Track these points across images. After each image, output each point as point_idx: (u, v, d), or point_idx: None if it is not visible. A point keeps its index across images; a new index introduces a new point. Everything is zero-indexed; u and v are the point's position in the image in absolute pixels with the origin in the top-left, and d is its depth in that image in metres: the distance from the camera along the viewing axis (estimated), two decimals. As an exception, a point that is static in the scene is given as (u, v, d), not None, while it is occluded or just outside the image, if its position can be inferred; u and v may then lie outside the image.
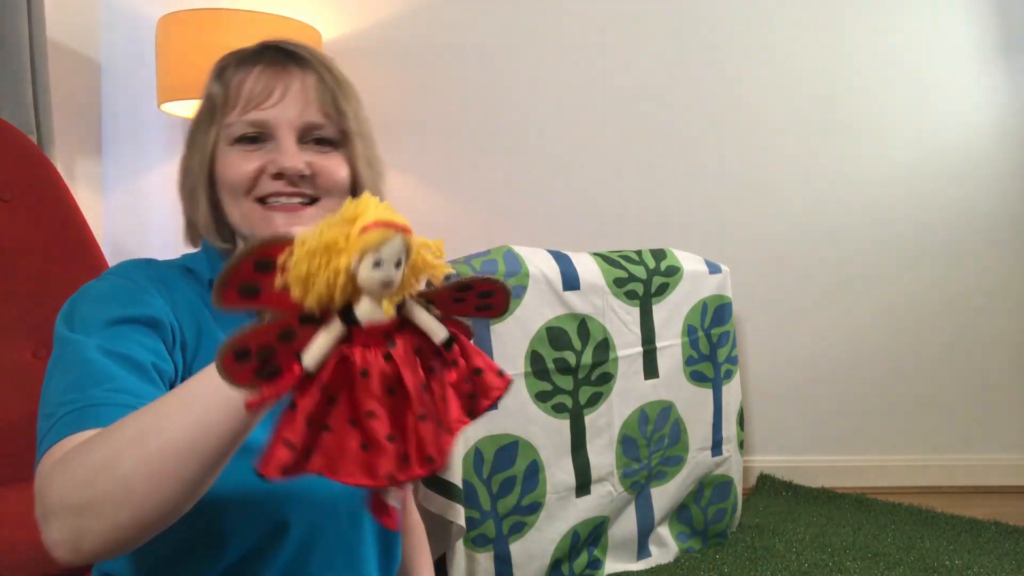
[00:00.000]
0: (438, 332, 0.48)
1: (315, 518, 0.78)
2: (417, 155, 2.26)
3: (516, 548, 1.44)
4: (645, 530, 1.67)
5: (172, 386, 0.72)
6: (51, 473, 0.60)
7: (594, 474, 1.55)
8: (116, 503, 0.55)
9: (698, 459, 1.75)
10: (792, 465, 2.21)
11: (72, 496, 0.57)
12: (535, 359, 1.47)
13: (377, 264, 0.44)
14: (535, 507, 1.46)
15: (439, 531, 1.36)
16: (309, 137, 0.81)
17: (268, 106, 0.79)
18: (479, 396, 0.51)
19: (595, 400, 1.56)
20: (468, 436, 1.40)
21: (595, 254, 1.64)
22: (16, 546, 1.03)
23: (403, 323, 0.47)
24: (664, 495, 1.69)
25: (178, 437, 0.55)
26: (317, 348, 0.44)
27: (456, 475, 1.35)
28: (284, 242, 0.45)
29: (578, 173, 2.23)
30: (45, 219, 1.36)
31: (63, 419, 0.65)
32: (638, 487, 1.64)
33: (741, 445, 1.86)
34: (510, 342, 1.44)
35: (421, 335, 0.48)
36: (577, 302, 1.53)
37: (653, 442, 1.66)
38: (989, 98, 2.18)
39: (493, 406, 0.51)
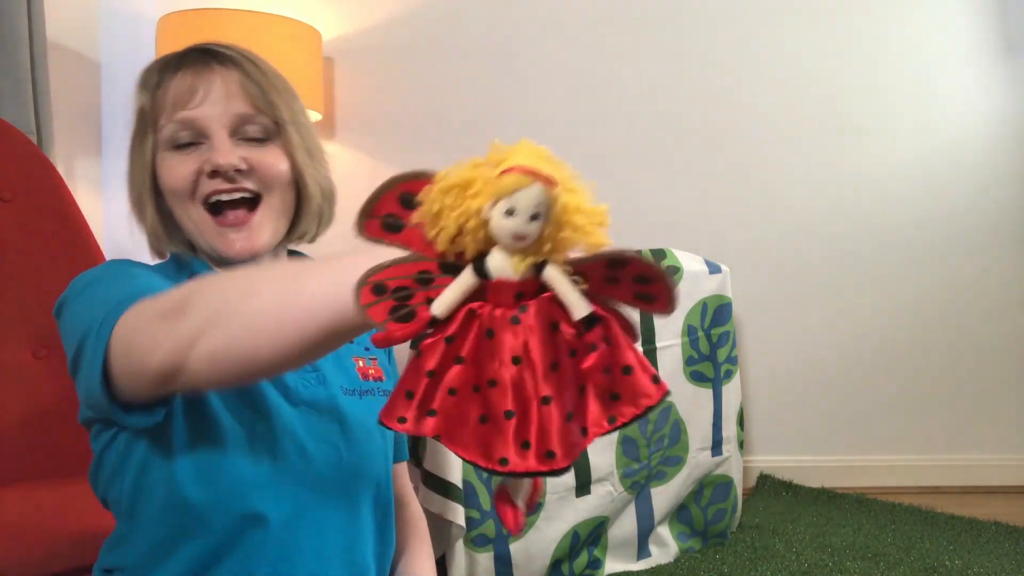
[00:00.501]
0: (579, 306, 0.41)
1: (298, 505, 0.77)
2: (417, 155, 2.26)
3: (516, 548, 1.44)
4: (645, 530, 1.67)
5: None
6: (147, 326, 0.60)
7: (594, 474, 1.55)
8: (241, 323, 0.55)
9: (698, 459, 1.75)
10: (792, 465, 2.21)
11: (200, 307, 0.56)
12: (535, 359, 1.47)
13: (510, 212, 0.39)
14: (535, 507, 1.46)
15: (439, 531, 1.36)
16: (243, 133, 0.80)
17: (194, 105, 0.78)
18: (624, 399, 0.42)
19: (595, 400, 1.56)
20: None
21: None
22: (18, 546, 1.03)
23: (542, 290, 0.41)
24: (664, 495, 1.69)
25: (316, 293, 0.53)
26: (446, 295, 0.41)
27: (456, 475, 1.35)
28: (428, 177, 0.43)
29: (578, 172, 2.22)
30: (45, 219, 1.36)
31: (124, 303, 0.64)
32: (638, 487, 1.64)
33: (741, 445, 1.85)
34: (510, 342, 1.44)
35: (561, 308, 0.41)
36: (577, 302, 1.53)
37: (653, 442, 1.65)
38: (989, 98, 2.18)
39: (641, 416, 0.43)
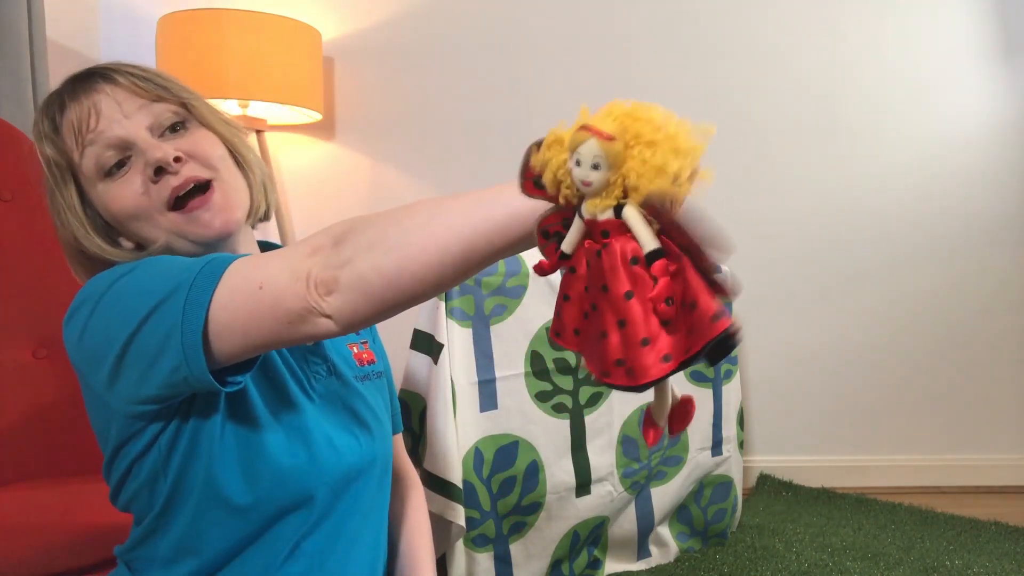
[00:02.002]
0: (647, 242, 0.47)
1: (331, 493, 0.80)
2: (417, 155, 2.26)
3: (516, 548, 1.44)
4: (645, 530, 1.67)
5: None
6: (309, 240, 0.61)
7: (594, 474, 1.55)
8: (395, 243, 0.58)
9: (698, 459, 1.75)
10: (792, 465, 2.21)
11: (356, 237, 0.59)
12: (535, 359, 1.47)
13: (577, 164, 0.48)
14: (535, 507, 1.46)
15: (439, 531, 1.36)
16: (160, 127, 0.79)
17: (101, 124, 0.76)
18: (695, 333, 0.46)
19: (595, 400, 1.56)
20: (468, 436, 1.40)
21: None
22: (18, 546, 1.03)
23: (626, 227, 0.48)
24: (664, 495, 1.69)
25: (459, 216, 0.59)
26: (569, 236, 0.50)
27: (456, 475, 1.35)
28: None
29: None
30: (45, 219, 1.36)
31: (212, 266, 0.63)
32: (638, 487, 1.64)
33: (741, 445, 1.85)
34: (510, 342, 1.44)
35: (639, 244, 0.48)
36: (577, 302, 1.53)
37: (653, 442, 1.65)
38: (989, 99, 2.18)
39: (703, 352, 0.46)
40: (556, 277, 0.53)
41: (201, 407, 0.73)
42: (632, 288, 0.47)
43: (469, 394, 1.40)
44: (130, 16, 2.17)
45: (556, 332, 0.52)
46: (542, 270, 0.52)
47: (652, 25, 2.22)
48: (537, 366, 1.47)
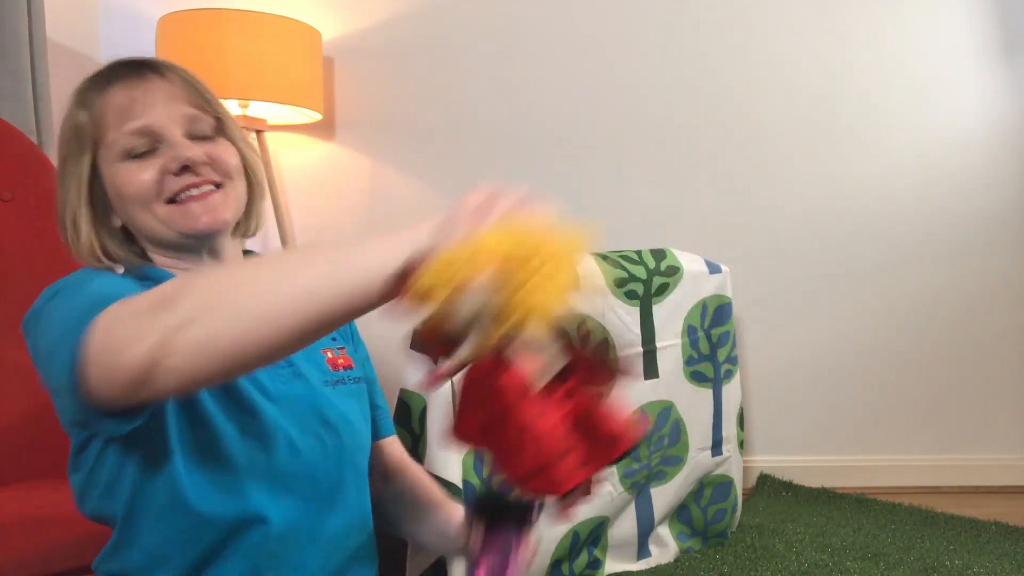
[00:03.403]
0: (545, 362, 0.51)
1: (295, 498, 0.81)
2: (417, 155, 2.26)
3: (516, 548, 1.44)
4: (645, 530, 1.67)
5: None
6: (140, 300, 0.59)
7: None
8: (233, 311, 0.55)
9: (698, 459, 1.75)
10: (792, 465, 2.21)
11: (189, 298, 0.57)
12: (535, 359, 1.47)
13: (471, 293, 0.48)
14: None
15: (439, 531, 1.36)
16: (194, 132, 0.83)
17: (142, 113, 0.80)
18: (606, 444, 0.52)
19: (595, 400, 1.56)
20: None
21: (595, 254, 1.63)
22: (17, 546, 1.03)
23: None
24: (664, 495, 1.69)
25: (309, 281, 0.56)
26: (462, 353, 0.51)
27: (456, 475, 1.35)
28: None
29: (578, 173, 2.23)
30: (45, 219, 1.36)
31: (98, 304, 0.63)
32: (638, 487, 1.64)
33: (741, 445, 1.85)
34: (510, 342, 1.44)
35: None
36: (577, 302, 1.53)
37: (653, 442, 1.65)
38: (989, 99, 2.18)
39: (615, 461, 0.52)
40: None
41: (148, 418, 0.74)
42: (540, 408, 0.49)
43: (469, 394, 1.40)
44: (130, 16, 2.17)
45: (460, 435, 0.52)
46: (433, 382, 0.53)
47: (652, 25, 2.22)
48: (537, 366, 1.47)
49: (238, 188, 0.86)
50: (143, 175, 0.80)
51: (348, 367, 0.93)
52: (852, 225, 2.21)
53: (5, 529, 1.06)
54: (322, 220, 2.27)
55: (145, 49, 2.07)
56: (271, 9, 1.99)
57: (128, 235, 0.86)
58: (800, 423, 2.23)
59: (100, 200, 0.83)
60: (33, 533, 1.05)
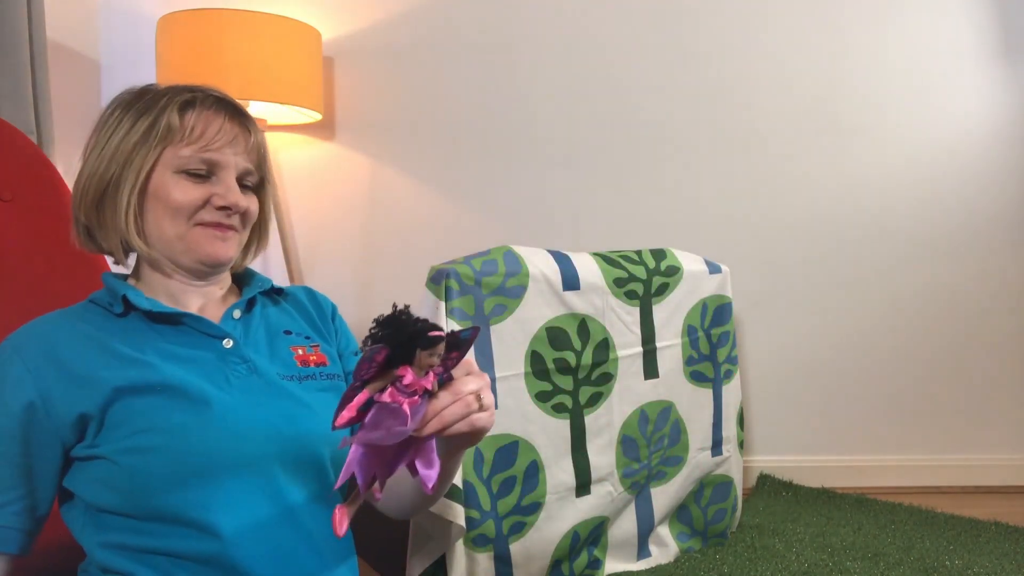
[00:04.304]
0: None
1: (241, 484, 0.83)
2: (417, 155, 2.26)
3: (516, 548, 1.44)
4: (645, 530, 1.67)
5: (65, 446, 0.83)
6: None
7: (594, 474, 1.55)
8: None
9: (698, 459, 1.75)
10: (792, 465, 2.21)
11: None
12: (535, 359, 1.47)
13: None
14: (535, 507, 1.46)
15: (439, 531, 1.36)
16: (243, 181, 0.94)
17: (222, 149, 0.91)
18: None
19: (595, 400, 1.56)
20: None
21: (595, 254, 1.64)
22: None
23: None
24: (664, 495, 1.69)
25: None
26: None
27: (456, 475, 1.35)
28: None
29: (578, 173, 2.23)
30: (45, 219, 1.36)
31: None
32: (638, 487, 1.64)
33: (741, 445, 1.86)
34: (510, 342, 1.44)
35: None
36: (577, 302, 1.53)
37: (653, 442, 1.65)
38: (989, 98, 2.18)
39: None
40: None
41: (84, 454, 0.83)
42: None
43: (469, 394, 1.40)
44: (130, 16, 2.17)
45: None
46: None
47: (652, 25, 2.22)
48: (537, 366, 1.47)
49: (245, 236, 0.97)
50: (194, 193, 0.89)
51: (321, 363, 0.97)
52: (852, 225, 2.21)
53: (5, 529, 1.05)
54: (322, 220, 2.27)
55: (145, 49, 2.08)
56: (271, 9, 1.99)
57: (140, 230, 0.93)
58: (800, 423, 2.23)
59: (148, 193, 0.91)
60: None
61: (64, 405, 0.81)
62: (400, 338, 0.67)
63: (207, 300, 0.96)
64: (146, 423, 0.80)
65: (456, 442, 0.82)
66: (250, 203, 0.95)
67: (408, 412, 0.66)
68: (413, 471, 0.70)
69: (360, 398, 0.67)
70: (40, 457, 0.82)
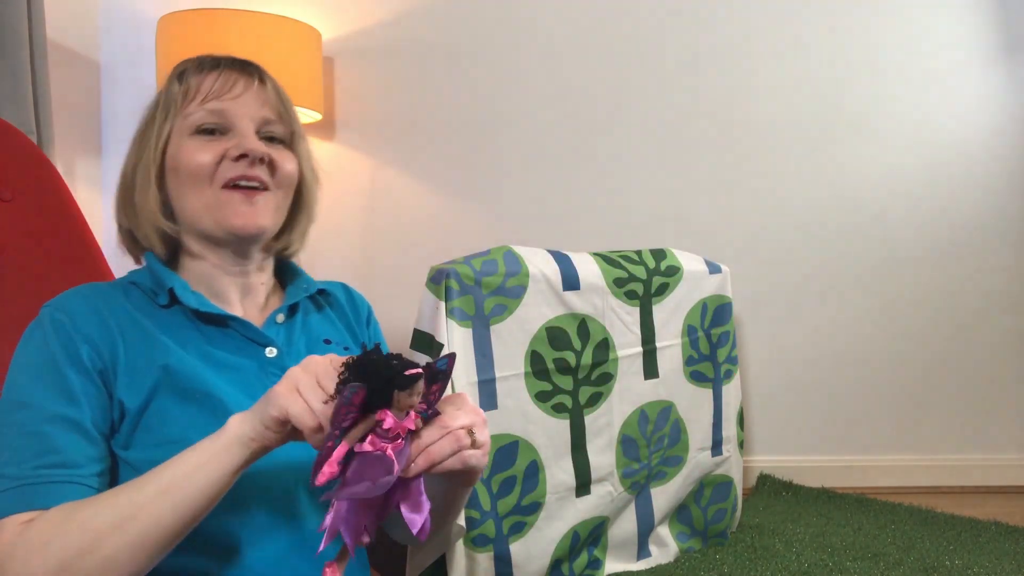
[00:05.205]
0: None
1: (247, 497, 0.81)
2: (417, 155, 2.26)
3: (516, 548, 1.44)
4: (645, 530, 1.67)
5: (112, 421, 0.78)
6: (15, 552, 0.66)
7: (594, 474, 1.55)
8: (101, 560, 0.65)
9: (698, 459, 1.75)
10: (792, 465, 2.21)
11: (60, 550, 0.65)
12: (535, 359, 1.47)
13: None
14: (535, 507, 1.46)
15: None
16: (266, 132, 0.88)
17: (229, 97, 0.85)
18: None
19: (595, 400, 1.56)
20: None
21: (595, 254, 1.64)
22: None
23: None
24: (664, 495, 1.69)
25: (156, 522, 0.66)
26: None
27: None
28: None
29: (578, 173, 2.23)
30: (45, 219, 1.36)
31: (5, 495, 0.70)
32: (638, 487, 1.64)
33: (741, 445, 1.86)
34: (510, 342, 1.44)
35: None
36: (577, 302, 1.53)
37: (653, 442, 1.66)
38: (989, 98, 2.18)
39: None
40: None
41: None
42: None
43: (469, 394, 1.40)
44: (130, 16, 2.17)
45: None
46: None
47: (653, 26, 2.22)
48: (537, 366, 1.47)
49: (282, 199, 0.89)
50: (203, 155, 0.83)
51: None
52: (852, 225, 2.21)
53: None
54: (322, 220, 2.25)
55: (145, 49, 2.08)
56: (271, 9, 1.99)
57: (166, 207, 0.89)
58: (800, 423, 2.23)
59: (162, 169, 0.87)
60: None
61: (110, 376, 0.78)
62: (376, 383, 0.62)
63: (247, 293, 0.90)
64: (180, 434, 0.76)
65: (455, 479, 0.77)
66: (279, 156, 0.87)
67: (393, 457, 0.61)
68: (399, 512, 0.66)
69: (340, 451, 0.61)
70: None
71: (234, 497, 0.75)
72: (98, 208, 2.11)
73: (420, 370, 0.64)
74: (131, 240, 0.90)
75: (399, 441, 0.63)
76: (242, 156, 0.83)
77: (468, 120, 2.25)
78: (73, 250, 1.37)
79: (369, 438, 0.62)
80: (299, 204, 0.94)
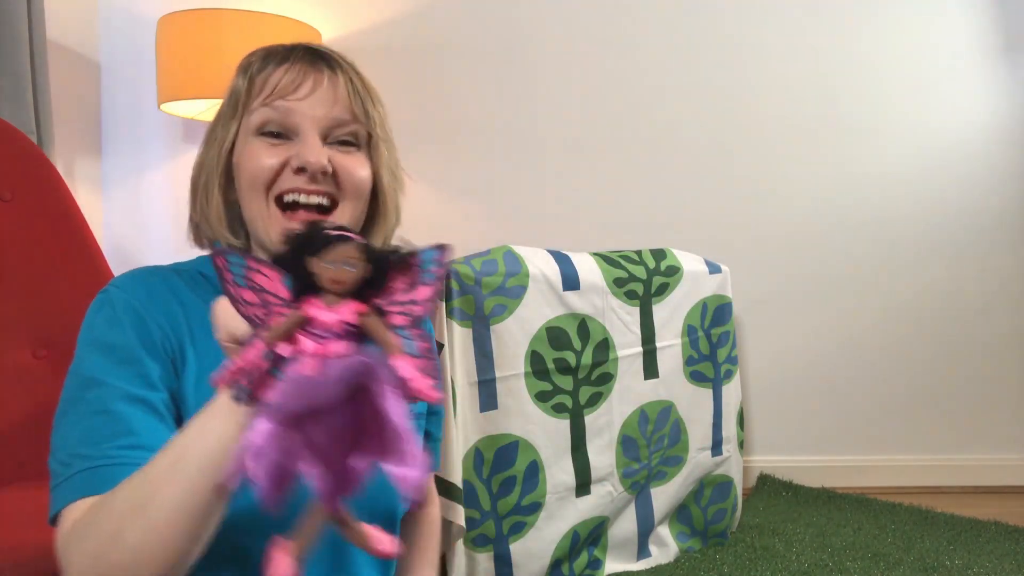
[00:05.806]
0: None
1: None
2: (417, 155, 2.26)
3: (516, 548, 1.44)
4: (645, 530, 1.67)
5: (179, 406, 0.73)
6: (68, 544, 0.63)
7: (594, 474, 1.55)
8: (130, 570, 0.59)
9: (698, 459, 1.75)
10: (792, 465, 2.21)
11: (90, 569, 0.61)
12: (535, 359, 1.47)
13: None
14: (535, 507, 1.46)
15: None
16: (334, 136, 0.79)
17: (295, 98, 0.77)
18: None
19: (595, 400, 1.56)
20: (468, 436, 1.40)
21: (595, 254, 1.64)
22: (18, 546, 1.03)
23: None
24: (664, 495, 1.69)
25: (174, 501, 0.59)
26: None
27: (456, 475, 1.35)
28: None
29: (578, 173, 2.23)
30: (45, 219, 1.36)
31: (76, 477, 0.66)
32: (638, 487, 1.64)
33: (741, 445, 1.86)
34: (510, 342, 1.44)
35: None
36: (577, 302, 1.53)
37: (653, 442, 1.65)
38: (989, 98, 2.18)
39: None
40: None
41: None
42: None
43: (469, 394, 1.40)
44: (130, 16, 2.17)
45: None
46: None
47: (653, 26, 2.22)
48: (537, 366, 1.47)
49: (352, 210, 0.79)
50: (266, 159, 0.76)
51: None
52: (852, 225, 2.21)
53: (7, 529, 1.06)
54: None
55: (145, 49, 2.07)
56: (271, 9, 1.99)
57: (230, 206, 0.81)
58: (800, 423, 2.23)
59: (228, 171, 0.80)
60: (32, 533, 1.05)
61: (179, 364, 0.73)
62: (292, 257, 0.46)
63: None
64: None
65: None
66: (348, 162, 0.78)
67: (329, 363, 0.43)
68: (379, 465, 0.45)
69: (253, 351, 0.45)
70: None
71: (284, 515, 0.71)
72: (98, 208, 2.11)
73: (349, 233, 0.48)
74: (198, 229, 0.83)
75: (340, 343, 0.45)
76: (302, 169, 0.76)
77: (468, 120, 2.25)
78: (73, 250, 1.37)
79: (295, 337, 0.46)
80: (375, 210, 0.84)
